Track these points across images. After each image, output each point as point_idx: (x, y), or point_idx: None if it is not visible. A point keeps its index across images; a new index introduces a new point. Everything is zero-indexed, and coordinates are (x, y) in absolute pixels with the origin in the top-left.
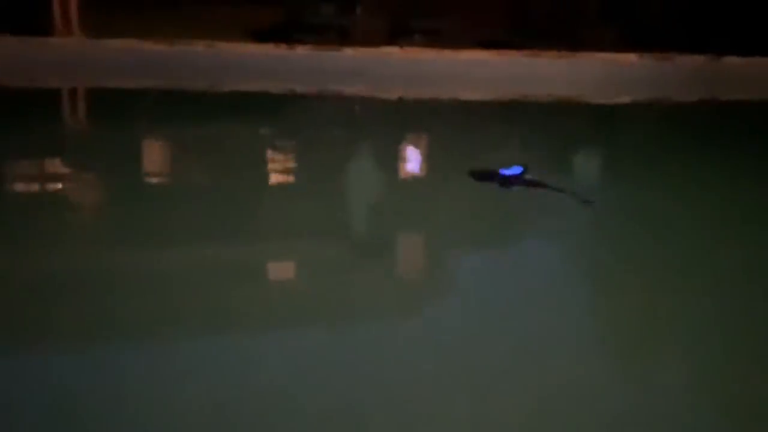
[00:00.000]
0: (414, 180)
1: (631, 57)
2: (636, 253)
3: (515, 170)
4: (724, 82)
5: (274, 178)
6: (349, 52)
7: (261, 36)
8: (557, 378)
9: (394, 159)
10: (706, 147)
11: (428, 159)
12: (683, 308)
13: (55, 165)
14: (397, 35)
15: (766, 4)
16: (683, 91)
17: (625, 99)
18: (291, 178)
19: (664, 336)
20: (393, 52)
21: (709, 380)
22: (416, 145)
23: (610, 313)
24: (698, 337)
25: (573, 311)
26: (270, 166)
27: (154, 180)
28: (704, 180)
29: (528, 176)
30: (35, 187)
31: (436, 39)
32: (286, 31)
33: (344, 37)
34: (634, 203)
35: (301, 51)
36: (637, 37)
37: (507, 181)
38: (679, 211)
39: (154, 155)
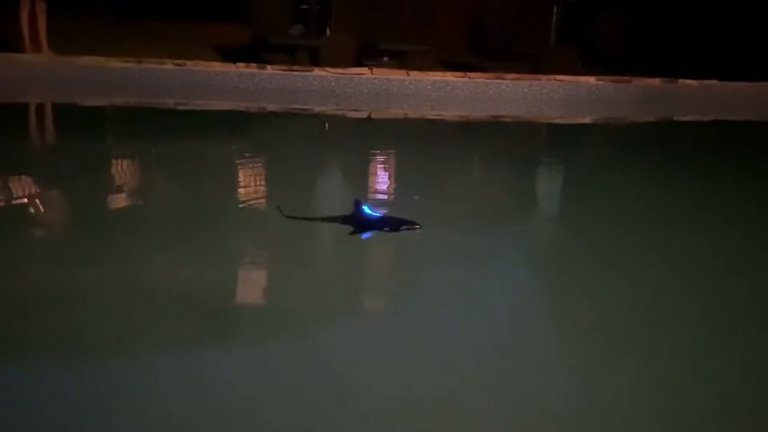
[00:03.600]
0: (380, 194)
1: (590, 79)
2: (590, 260)
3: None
4: (679, 103)
5: (241, 195)
6: (319, 72)
7: (230, 55)
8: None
9: (362, 174)
10: (659, 162)
11: (395, 174)
12: (638, 322)
13: (21, 181)
14: (365, 56)
15: (718, 30)
16: (640, 111)
17: (585, 119)
18: (258, 195)
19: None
20: (363, 72)
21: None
22: (384, 161)
23: (575, 324)
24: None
25: (538, 323)
26: (238, 182)
27: (119, 197)
28: (657, 191)
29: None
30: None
31: (403, 61)
32: (255, 50)
33: (314, 58)
34: (591, 215)
35: (271, 70)
36: (595, 60)
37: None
38: (638, 221)
39: (120, 172)
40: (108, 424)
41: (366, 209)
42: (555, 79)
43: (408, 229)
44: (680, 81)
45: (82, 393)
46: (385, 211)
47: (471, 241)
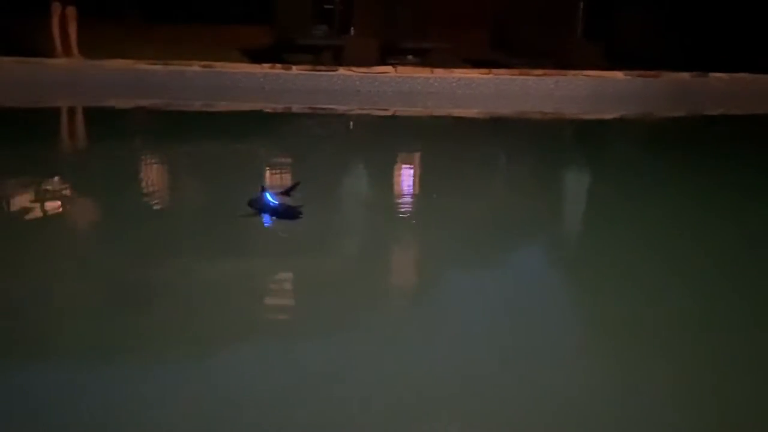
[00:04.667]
0: (405, 193)
1: (618, 74)
2: (618, 261)
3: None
4: (709, 97)
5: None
6: (344, 72)
7: (255, 56)
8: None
9: (387, 173)
10: (689, 159)
11: (421, 173)
12: (668, 317)
13: (54, 183)
14: (389, 55)
15: (749, 22)
16: (669, 106)
17: (613, 115)
18: (284, 196)
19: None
20: (387, 71)
21: (704, 386)
22: (409, 160)
23: (602, 321)
24: (687, 345)
25: (565, 319)
26: (264, 182)
27: (149, 198)
28: (689, 189)
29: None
30: (34, 205)
31: (427, 59)
32: (279, 51)
33: (338, 58)
34: (620, 212)
35: (296, 71)
36: (623, 55)
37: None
38: (664, 219)
39: (150, 174)
40: (132, 424)
41: (267, 195)
42: (582, 75)
43: (288, 218)
44: (710, 75)
45: (117, 394)
46: (283, 200)
47: (494, 241)
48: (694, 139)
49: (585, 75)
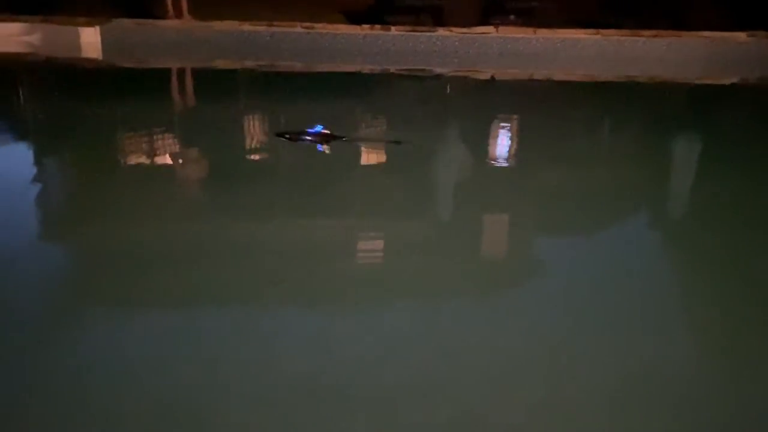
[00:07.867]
0: (497, 161)
1: (741, 36)
2: (731, 237)
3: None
4: None
5: (365, 156)
6: (443, 32)
7: (356, 18)
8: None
9: (482, 139)
10: None
11: (515, 140)
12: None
13: (163, 139)
14: (491, 15)
15: None
16: None
17: (732, 79)
18: (382, 156)
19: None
20: (488, 31)
21: None
22: (506, 126)
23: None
24: None
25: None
26: (361, 143)
27: (252, 155)
28: None
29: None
30: (145, 159)
31: (531, 18)
32: (380, 13)
33: (438, 18)
34: (736, 187)
35: (395, 32)
36: (747, 15)
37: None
38: None
39: (253, 132)
40: (225, 374)
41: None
42: (698, 36)
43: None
44: None
45: (207, 343)
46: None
47: (595, 211)
48: None
49: (702, 36)
